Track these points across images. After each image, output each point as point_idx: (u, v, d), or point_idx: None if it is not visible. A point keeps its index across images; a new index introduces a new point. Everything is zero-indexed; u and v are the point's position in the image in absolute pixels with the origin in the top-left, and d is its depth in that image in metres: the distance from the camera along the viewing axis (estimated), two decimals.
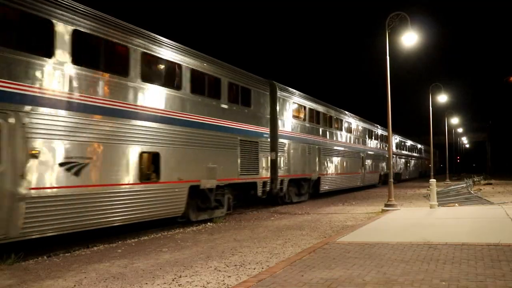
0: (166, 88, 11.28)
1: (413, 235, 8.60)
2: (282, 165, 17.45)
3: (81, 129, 8.81)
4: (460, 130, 67.40)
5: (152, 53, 10.90)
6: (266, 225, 12.14)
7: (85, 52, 9.22)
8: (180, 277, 6.31)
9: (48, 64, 8.28)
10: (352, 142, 27.71)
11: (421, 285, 5.06)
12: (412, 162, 52.19)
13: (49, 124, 8.19)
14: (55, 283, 6.17)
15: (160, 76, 11.47)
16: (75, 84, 8.75)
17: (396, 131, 41.22)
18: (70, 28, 8.70)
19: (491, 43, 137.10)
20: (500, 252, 6.72)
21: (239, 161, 14.20)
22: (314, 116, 21.63)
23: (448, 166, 45.51)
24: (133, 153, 10.07)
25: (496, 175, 51.66)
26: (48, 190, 8.12)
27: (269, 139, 16.44)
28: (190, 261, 7.44)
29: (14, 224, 7.54)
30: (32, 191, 7.80)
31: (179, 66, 11.81)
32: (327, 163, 22.78)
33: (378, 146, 34.70)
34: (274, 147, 16.96)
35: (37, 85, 8.03)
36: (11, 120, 7.53)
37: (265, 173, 15.95)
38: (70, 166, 8.54)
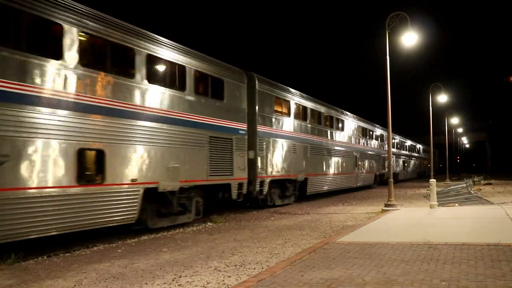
0: (115, 76, 9.66)
1: (413, 235, 8.61)
2: (262, 165, 15.84)
3: None
4: (460, 130, 67.43)
5: (92, 32, 9.24)
6: (266, 225, 12.14)
7: None
8: (180, 277, 6.31)
9: None
10: (344, 140, 25.91)
11: (421, 285, 5.06)
12: (411, 162, 51.96)
13: None
14: (55, 283, 6.17)
15: (106, 60, 9.72)
16: None
17: (395, 131, 41.15)
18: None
19: (491, 43, 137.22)
20: (500, 252, 6.73)
21: (208, 160, 12.62)
22: (300, 112, 19.84)
23: (448, 166, 45.53)
24: (67, 150, 8.47)
25: (496, 175, 51.72)
26: None
27: (246, 136, 14.79)
28: (190, 261, 7.45)
29: None
30: None
31: (131, 49, 10.18)
32: (315, 163, 20.92)
33: (374, 145, 33.56)
34: (252, 145, 15.35)
35: None
36: None
37: (241, 174, 14.28)
38: None
